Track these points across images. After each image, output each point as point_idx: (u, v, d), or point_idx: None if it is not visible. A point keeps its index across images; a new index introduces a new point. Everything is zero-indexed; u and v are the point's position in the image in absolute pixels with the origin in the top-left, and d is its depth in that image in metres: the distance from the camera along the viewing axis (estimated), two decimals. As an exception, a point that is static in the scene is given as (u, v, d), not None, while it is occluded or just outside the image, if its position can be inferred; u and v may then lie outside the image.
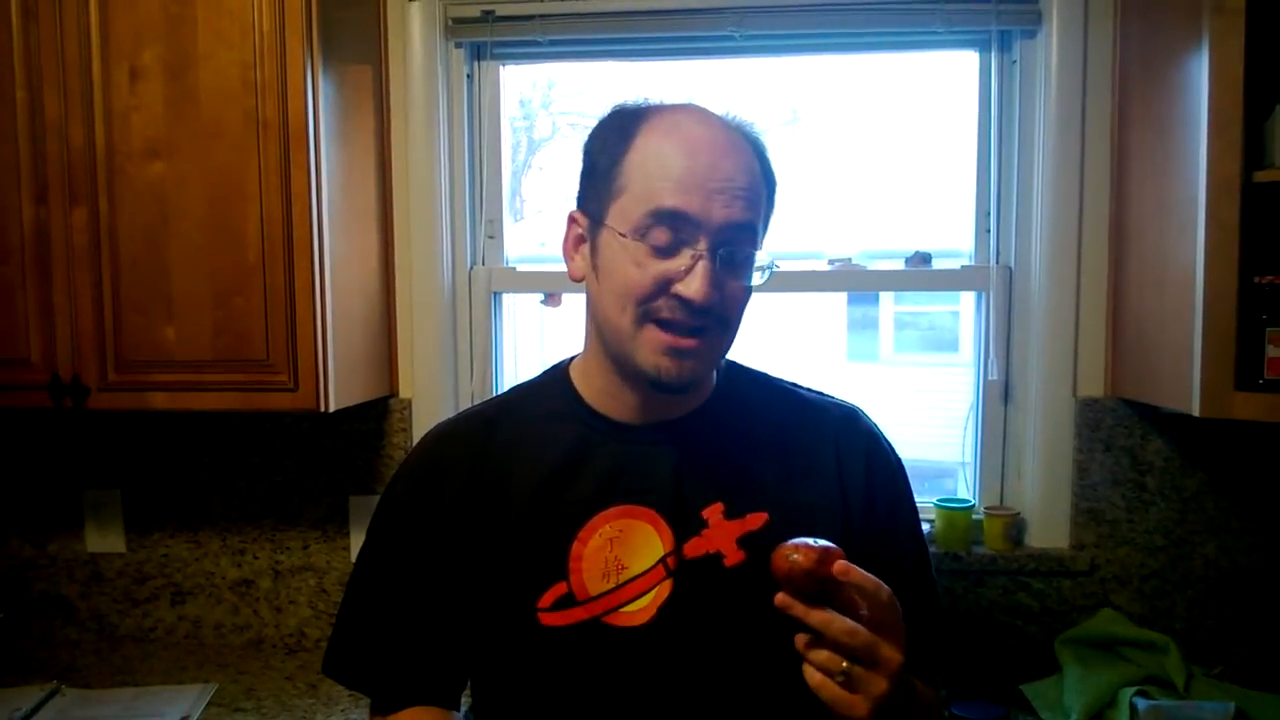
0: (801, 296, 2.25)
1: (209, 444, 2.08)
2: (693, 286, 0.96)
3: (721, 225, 0.97)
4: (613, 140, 1.02)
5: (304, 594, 2.08)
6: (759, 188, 1.02)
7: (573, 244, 1.08)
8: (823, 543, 0.90)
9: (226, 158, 1.66)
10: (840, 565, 0.88)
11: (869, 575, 0.89)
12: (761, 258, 1.02)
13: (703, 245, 0.96)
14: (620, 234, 0.99)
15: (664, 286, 0.97)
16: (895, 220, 2.29)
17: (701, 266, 0.96)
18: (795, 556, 0.88)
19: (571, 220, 1.08)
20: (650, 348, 0.99)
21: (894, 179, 2.28)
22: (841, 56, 2.07)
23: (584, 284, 1.08)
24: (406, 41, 1.97)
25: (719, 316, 0.99)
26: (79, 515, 2.12)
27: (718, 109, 1.05)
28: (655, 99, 1.06)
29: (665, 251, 0.97)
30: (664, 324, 0.98)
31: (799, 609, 0.88)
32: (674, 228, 0.96)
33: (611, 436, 1.08)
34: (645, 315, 0.99)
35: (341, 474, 2.05)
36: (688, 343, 0.99)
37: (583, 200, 1.07)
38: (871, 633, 0.87)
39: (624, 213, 0.99)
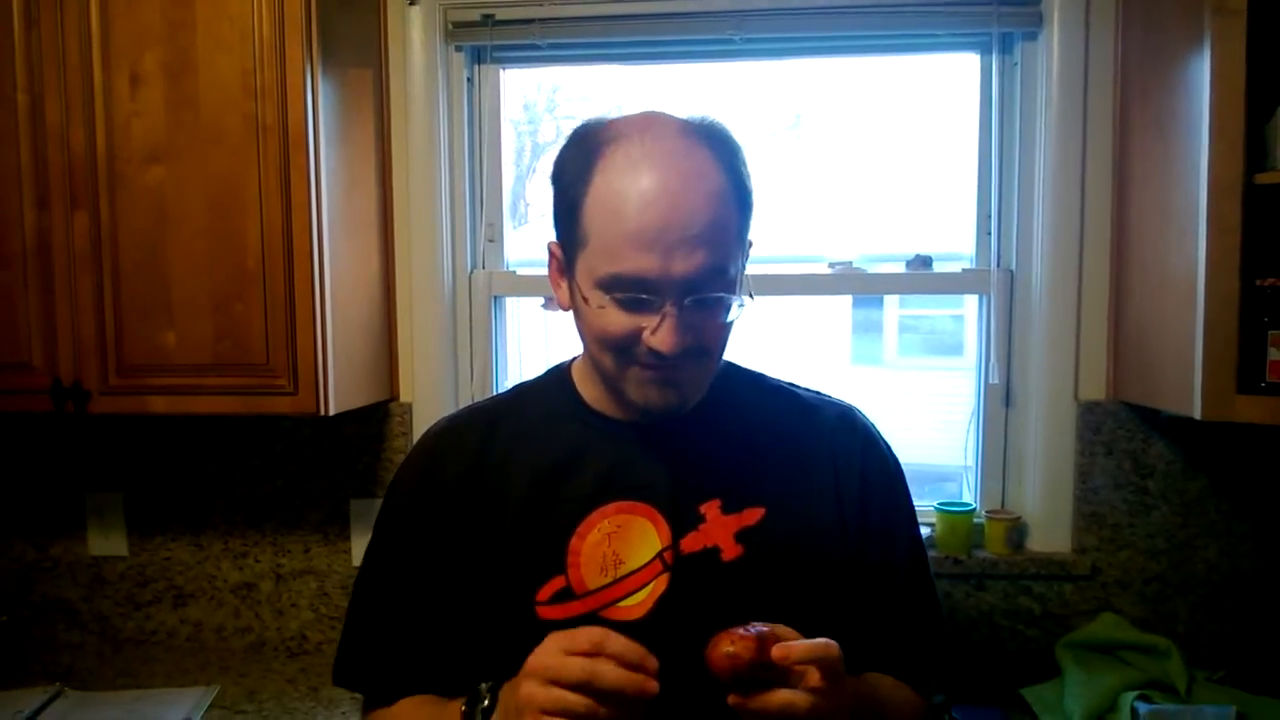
0: (805, 299, 2.24)
1: (210, 448, 2.08)
2: (661, 339, 0.95)
3: (684, 279, 0.95)
4: (574, 173, 1.00)
5: (305, 597, 2.08)
6: (726, 216, 0.98)
7: (557, 273, 1.07)
8: (756, 628, 0.89)
9: (226, 162, 1.66)
10: (779, 650, 0.86)
11: (811, 643, 0.88)
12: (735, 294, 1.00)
13: (668, 302, 0.95)
14: (585, 289, 0.99)
15: (635, 337, 0.97)
16: (897, 223, 2.29)
17: (668, 321, 0.95)
18: (731, 649, 0.87)
19: (551, 252, 1.08)
20: (636, 383, 1.01)
21: (895, 182, 2.28)
22: (843, 59, 2.07)
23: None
24: (406, 45, 1.97)
25: (696, 352, 0.99)
26: (81, 518, 2.13)
27: (682, 113, 1.02)
28: (618, 113, 1.03)
29: (631, 306, 0.96)
30: (643, 365, 0.99)
31: (755, 704, 0.86)
32: (636, 288, 0.95)
33: (610, 435, 1.09)
34: (625, 360, 1.00)
35: (342, 478, 2.05)
36: (670, 374, 0.99)
37: (557, 230, 1.06)
38: (813, 697, 0.86)
39: (588, 266, 0.98)
